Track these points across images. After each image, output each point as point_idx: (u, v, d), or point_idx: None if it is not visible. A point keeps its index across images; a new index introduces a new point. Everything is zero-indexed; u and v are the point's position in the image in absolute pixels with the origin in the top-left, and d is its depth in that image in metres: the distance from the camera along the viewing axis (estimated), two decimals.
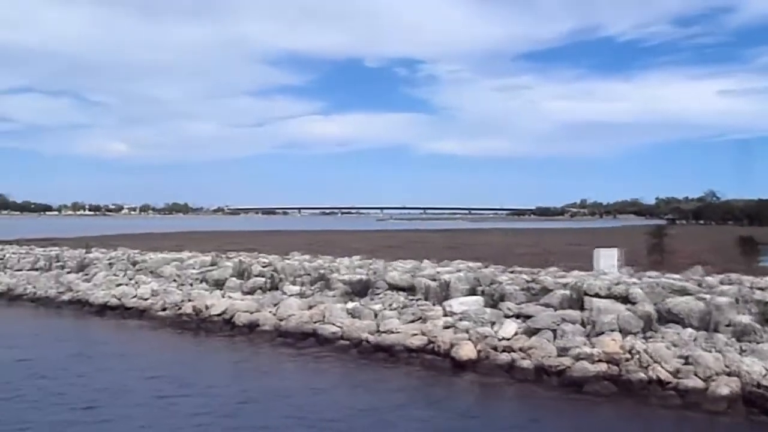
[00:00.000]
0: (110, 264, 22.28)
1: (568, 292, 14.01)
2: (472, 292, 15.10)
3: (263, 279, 18.26)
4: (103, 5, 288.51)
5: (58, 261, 23.49)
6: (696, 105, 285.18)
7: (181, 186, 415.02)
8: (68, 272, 22.10)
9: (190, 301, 17.99)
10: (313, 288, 17.26)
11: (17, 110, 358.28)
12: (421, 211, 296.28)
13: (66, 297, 20.43)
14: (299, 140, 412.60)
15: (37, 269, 23.21)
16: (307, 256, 22.76)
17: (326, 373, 12.95)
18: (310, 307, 15.98)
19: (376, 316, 14.79)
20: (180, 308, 17.92)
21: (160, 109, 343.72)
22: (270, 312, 16.35)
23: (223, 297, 17.75)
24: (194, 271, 19.82)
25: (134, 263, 21.61)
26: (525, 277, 16.06)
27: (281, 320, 15.78)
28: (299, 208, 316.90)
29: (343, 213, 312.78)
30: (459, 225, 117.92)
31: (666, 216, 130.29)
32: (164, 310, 18.05)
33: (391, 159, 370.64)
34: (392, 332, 13.95)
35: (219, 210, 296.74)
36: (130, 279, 20.40)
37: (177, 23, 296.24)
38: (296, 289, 17.29)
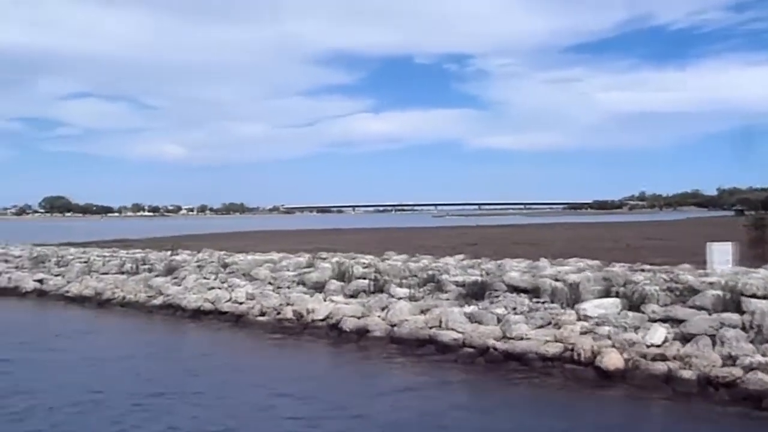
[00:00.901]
0: (199, 266, 21.57)
1: (719, 292, 12.62)
2: (606, 293, 13.81)
3: (366, 281, 17.24)
4: (158, 10, 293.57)
5: (144, 264, 22.89)
6: (755, 92, 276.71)
7: (236, 186, 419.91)
8: (156, 275, 21.45)
9: (289, 305, 17.08)
10: (422, 290, 16.15)
11: (76, 115, 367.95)
12: (476, 207, 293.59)
13: (157, 301, 19.76)
14: (349, 139, 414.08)
15: (123, 273, 22.64)
16: (403, 256, 21.66)
17: (464, 387, 11.83)
18: (423, 312, 14.88)
19: (499, 320, 13.61)
20: (279, 313, 17.03)
21: (212, 111, 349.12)
22: (379, 317, 15.33)
23: (324, 301, 16.79)
24: (290, 273, 18.91)
25: (225, 265, 20.85)
26: (663, 276, 14.68)
27: (393, 326, 14.70)
28: (353, 206, 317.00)
29: (396, 210, 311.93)
30: (521, 220, 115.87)
31: (733, 207, 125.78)
32: (262, 314, 17.18)
33: (442, 155, 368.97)
34: (522, 338, 12.76)
35: (274, 209, 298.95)
36: (223, 282, 19.60)
37: (227, 26, 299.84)
38: (404, 291, 16.19)
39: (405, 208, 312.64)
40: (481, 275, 16.32)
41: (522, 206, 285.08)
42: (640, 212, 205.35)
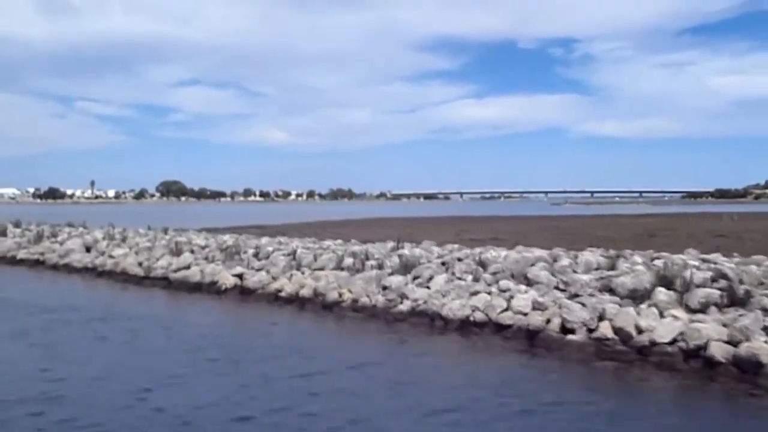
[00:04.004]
0: (443, 264, 17.75)
1: None
2: None
3: (714, 291, 12.92)
4: None
5: (367, 259, 19.28)
6: None
7: (341, 172, 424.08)
8: (390, 274, 17.77)
9: (604, 319, 12.98)
10: None
11: (186, 102, 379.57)
12: (589, 194, 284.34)
13: (402, 307, 16.04)
14: (452, 125, 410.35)
15: (342, 269, 19.11)
16: (694, 254, 17.15)
17: None
18: None
19: None
20: (592, 330, 12.97)
21: (317, 98, 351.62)
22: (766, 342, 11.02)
23: (662, 316, 12.59)
24: (584, 277, 14.75)
25: (482, 264, 16.91)
26: None
27: None
28: (460, 193, 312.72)
29: (505, 197, 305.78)
30: (648, 209, 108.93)
31: None
32: (569, 332, 13.14)
33: (547, 142, 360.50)
34: None
35: (381, 195, 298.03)
36: (489, 285, 15.68)
37: (332, 12, 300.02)
38: None
39: (513, 195, 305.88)
40: None
41: (637, 194, 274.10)
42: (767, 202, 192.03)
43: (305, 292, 18.42)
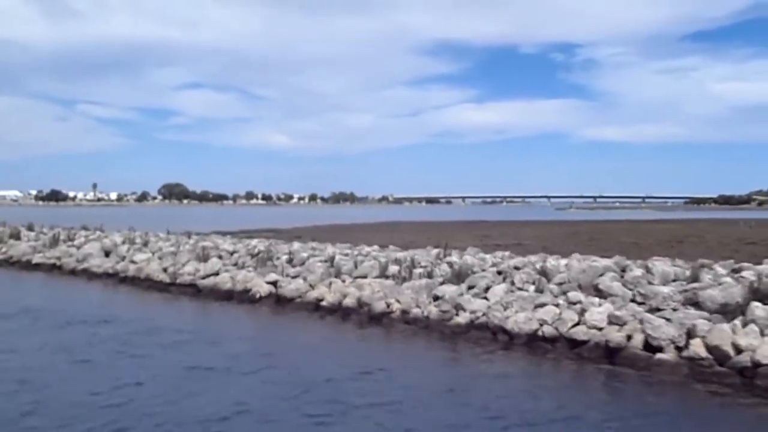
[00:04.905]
0: (499, 273, 16.66)
1: None
2: None
3: None
4: (267, 3, 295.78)
5: (414, 266, 18.19)
6: None
7: (343, 176, 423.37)
8: (442, 283, 16.69)
9: (693, 337, 11.89)
10: None
11: (188, 105, 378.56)
12: (592, 199, 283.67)
13: (460, 320, 14.95)
14: (454, 129, 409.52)
15: (387, 277, 18.03)
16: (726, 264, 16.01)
17: None
18: None
19: None
20: (681, 349, 11.89)
21: (319, 102, 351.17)
22: None
23: (762, 335, 11.48)
24: (667, 290, 13.63)
25: (544, 273, 15.80)
26: None
27: None
28: (463, 197, 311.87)
29: (508, 202, 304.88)
30: (657, 215, 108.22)
31: None
32: (655, 350, 12.05)
33: (548, 147, 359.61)
34: None
35: (384, 199, 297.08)
36: (555, 296, 14.60)
37: (334, 17, 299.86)
38: None
39: (516, 199, 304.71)
40: None
41: (640, 200, 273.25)
42: None
43: (348, 302, 17.34)
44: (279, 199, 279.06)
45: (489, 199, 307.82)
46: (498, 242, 32.48)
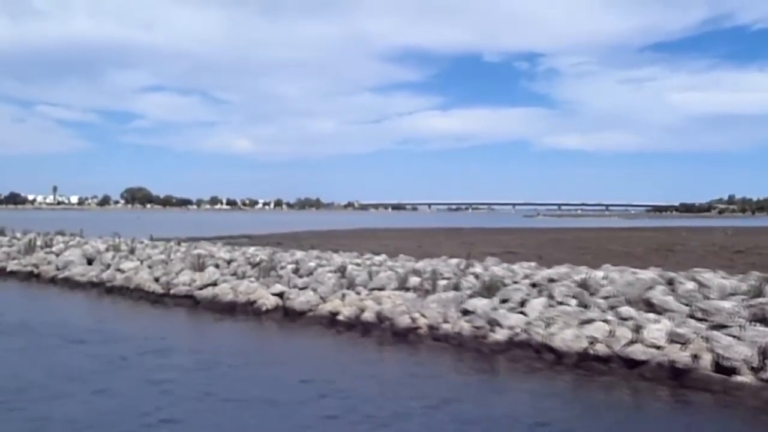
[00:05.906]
0: (534, 286, 15.57)
1: None
2: None
3: None
4: (230, 6, 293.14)
5: (436, 278, 17.00)
6: None
7: (307, 181, 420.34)
8: (471, 296, 15.53)
9: None
10: None
11: (149, 108, 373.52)
12: (556, 207, 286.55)
13: (498, 337, 13.83)
14: (418, 136, 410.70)
15: (408, 289, 16.84)
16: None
17: None
18: None
19: None
20: (756, 369, 10.92)
21: (282, 107, 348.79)
22: None
23: None
24: (729, 305, 12.65)
25: (584, 286, 14.74)
26: None
27: None
28: (429, 204, 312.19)
29: (473, 209, 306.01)
30: (627, 222, 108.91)
31: None
32: (728, 371, 11.07)
33: (511, 154, 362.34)
34: None
35: (349, 205, 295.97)
36: (603, 311, 13.55)
37: (298, 21, 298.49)
38: None
39: (481, 206, 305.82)
40: None
41: (604, 207, 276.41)
42: (730, 216, 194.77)
43: (367, 316, 16.09)
44: (244, 204, 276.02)
45: (454, 206, 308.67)
46: (484, 249, 31.38)
